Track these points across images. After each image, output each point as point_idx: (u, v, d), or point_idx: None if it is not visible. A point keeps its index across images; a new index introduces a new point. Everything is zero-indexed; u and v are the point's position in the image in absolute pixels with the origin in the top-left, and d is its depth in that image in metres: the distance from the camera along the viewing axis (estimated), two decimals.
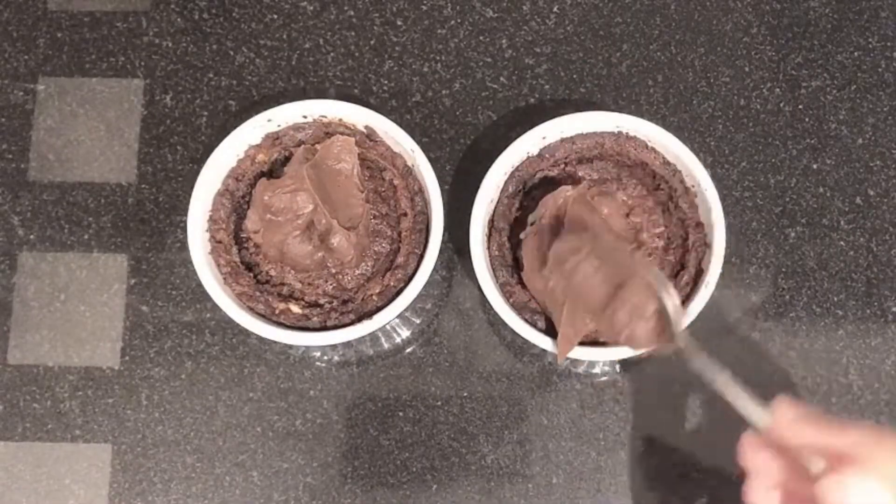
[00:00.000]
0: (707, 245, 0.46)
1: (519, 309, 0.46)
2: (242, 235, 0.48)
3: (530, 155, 0.48)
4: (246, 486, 0.50)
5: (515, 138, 0.47)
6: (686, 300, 0.46)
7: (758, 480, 0.37)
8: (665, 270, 0.47)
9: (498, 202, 0.48)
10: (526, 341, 0.46)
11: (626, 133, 0.48)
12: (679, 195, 0.47)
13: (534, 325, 0.46)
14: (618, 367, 0.51)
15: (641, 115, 0.53)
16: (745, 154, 0.53)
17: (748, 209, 0.52)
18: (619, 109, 0.54)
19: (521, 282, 0.47)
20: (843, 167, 0.53)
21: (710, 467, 0.49)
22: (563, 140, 0.48)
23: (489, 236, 0.48)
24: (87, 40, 0.55)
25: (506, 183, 0.48)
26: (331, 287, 0.47)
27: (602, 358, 0.45)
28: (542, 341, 0.45)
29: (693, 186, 0.47)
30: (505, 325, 0.46)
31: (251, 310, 0.46)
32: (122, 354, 0.51)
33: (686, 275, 0.47)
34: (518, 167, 0.48)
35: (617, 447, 0.49)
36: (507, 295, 0.47)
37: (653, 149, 0.48)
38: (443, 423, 0.50)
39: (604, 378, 0.51)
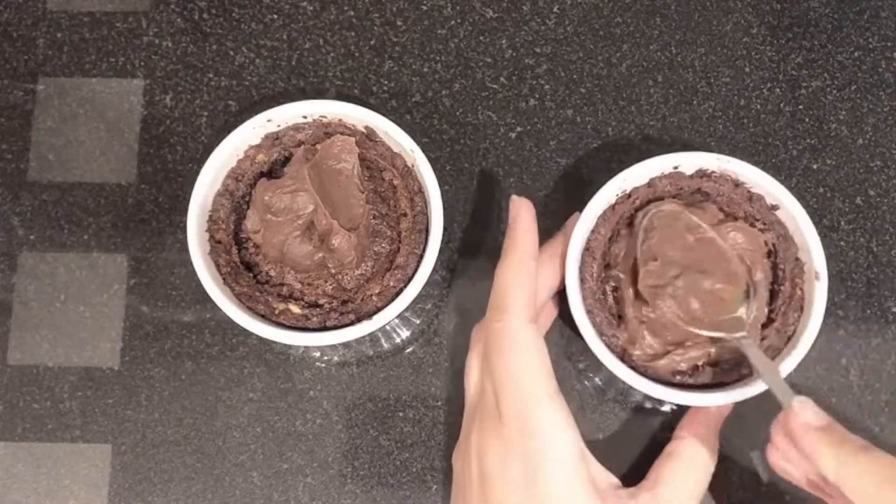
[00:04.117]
0: (798, 261, 0.46)
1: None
2: (242, 236, 0.48)
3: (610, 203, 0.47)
4: (246, 486, 0.50)
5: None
6: (794, 330, 0.46)
7: (777, 454, 0.39)
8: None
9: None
10: None
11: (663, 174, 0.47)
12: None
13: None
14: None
15: (641, 116, 0.53)
16: (745, 154, 0.53)
17: None
18: (620, 110, 0.54)
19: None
20: (843, 167, 0.53)
21: None
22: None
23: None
24: (87, 40, 0.55)
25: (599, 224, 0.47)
26: (330, 287, 0.47)
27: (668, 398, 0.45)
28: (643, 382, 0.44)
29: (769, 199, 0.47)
30: None
31: (251, 310, 0.46)
32: (122, 354, 0.51)
33: (781, 297, 0.46)
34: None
35: (617, 447, 0.49)
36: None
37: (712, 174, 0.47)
38: (443, 423, 0.50)
39: (604, 378, 0.51)
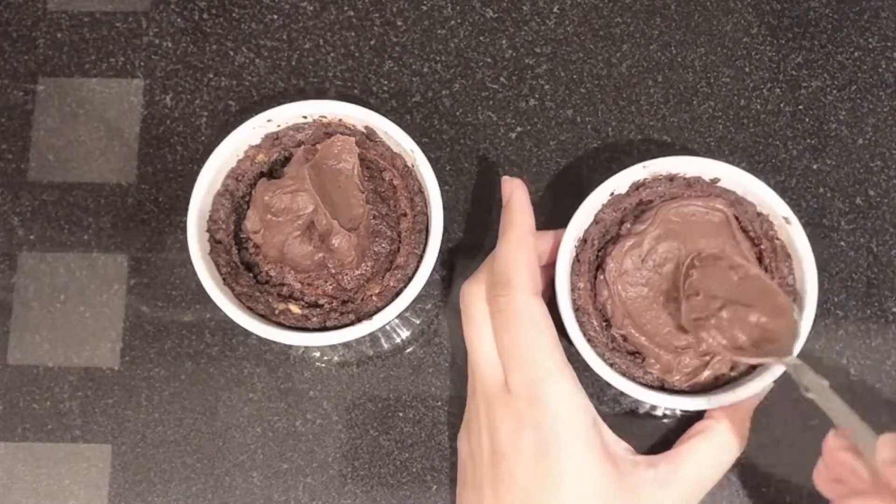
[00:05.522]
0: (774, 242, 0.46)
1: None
2: (242, 236, 0.48)
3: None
4: (246, 486, 0.50)
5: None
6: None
7: (825, 474, 0.38)
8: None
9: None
10: None
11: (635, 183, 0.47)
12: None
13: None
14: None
15: (641, 116, 0.53)
16: (745, 154, 0.53)
17: None
18: (620, 110, 0.54)
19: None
20: (843, 167, 0.53)
21: None
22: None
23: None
24: (87, 40, 0.55)
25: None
26: (330, 287, 0.47)
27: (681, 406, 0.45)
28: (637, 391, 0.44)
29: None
30: None
31: (251, 310, 0.46)
32: (122, 355, 0.51)
33: (765, 255, 0.47)
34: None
35: None
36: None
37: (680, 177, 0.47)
38: (443, 423, 0.50)
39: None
